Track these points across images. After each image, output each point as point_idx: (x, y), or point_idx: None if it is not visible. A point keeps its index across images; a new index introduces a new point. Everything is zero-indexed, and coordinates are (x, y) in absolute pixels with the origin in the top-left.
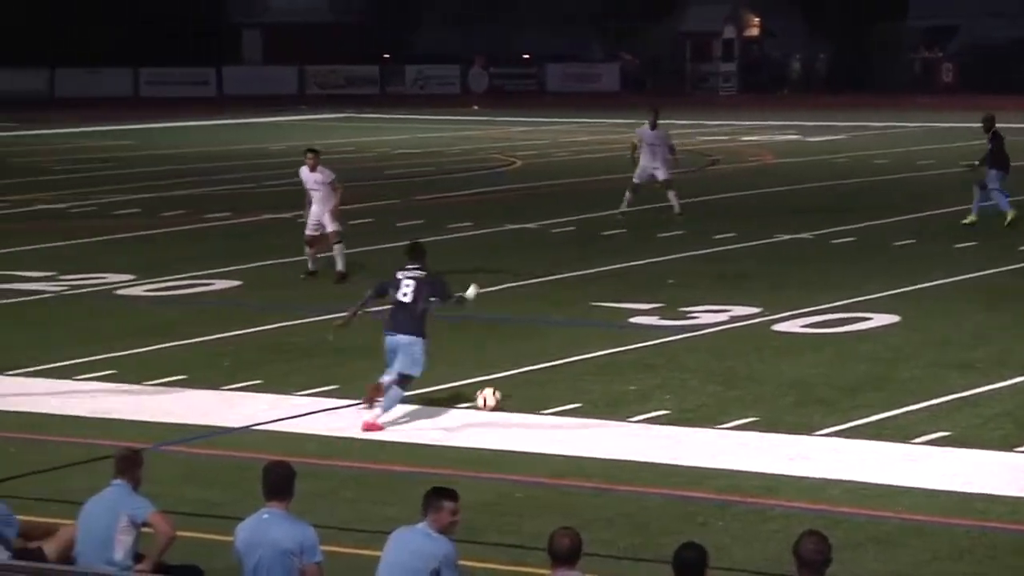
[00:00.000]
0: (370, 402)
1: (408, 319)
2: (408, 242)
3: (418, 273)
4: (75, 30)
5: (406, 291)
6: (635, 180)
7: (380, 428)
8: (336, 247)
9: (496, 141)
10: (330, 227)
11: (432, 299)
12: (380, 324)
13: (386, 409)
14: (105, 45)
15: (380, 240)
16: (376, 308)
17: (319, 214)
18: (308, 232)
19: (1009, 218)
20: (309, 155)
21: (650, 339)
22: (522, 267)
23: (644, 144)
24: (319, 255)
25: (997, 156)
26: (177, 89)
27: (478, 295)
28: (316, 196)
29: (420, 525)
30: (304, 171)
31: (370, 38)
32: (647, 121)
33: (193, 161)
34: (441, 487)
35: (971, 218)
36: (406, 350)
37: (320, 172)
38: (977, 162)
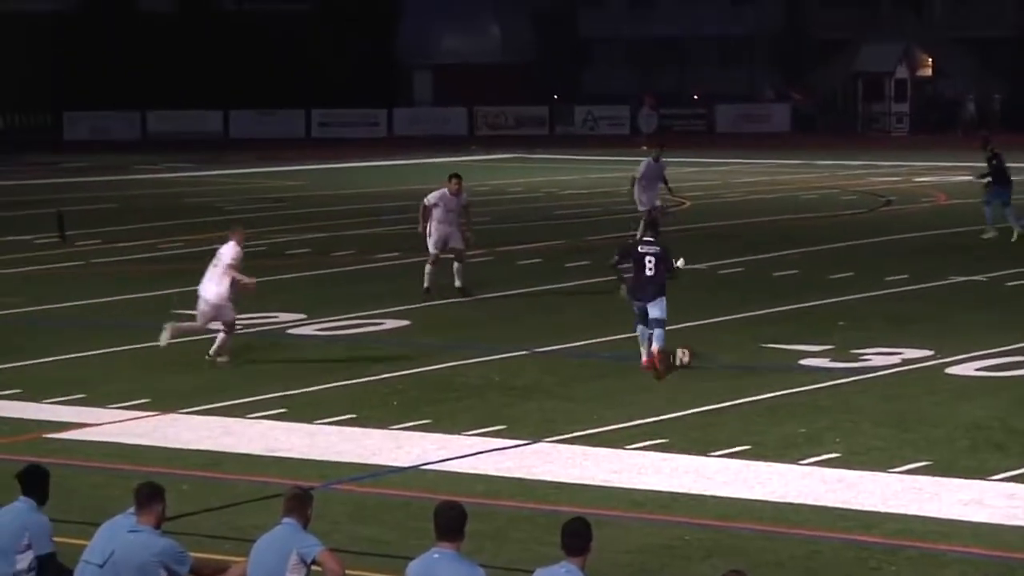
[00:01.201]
0: (652, 368)
1: (654, 287)
2: (646, 216)
3: (655, 249)
4: (249, 73)
5: (650, 265)
6: (641, 208)
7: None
8: (460, 264)
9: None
10: (460, 245)
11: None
12: (544, 367)
13: (660, 341)
14: (278, 88)
15: (548, 280)
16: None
17: (449, 234)
18: (433, 251)
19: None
20: (454, 180)
21: (820, 381)
22: (690, 308)
23: (646, 178)
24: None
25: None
26: (348, 130)
27: (685, 266)
28: (451, 218)
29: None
30: (444, 194)
31: (539, 79)
32: (651, 156)
33: (363, 201)
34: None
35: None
36: (657, 306)
37: (460, 196)
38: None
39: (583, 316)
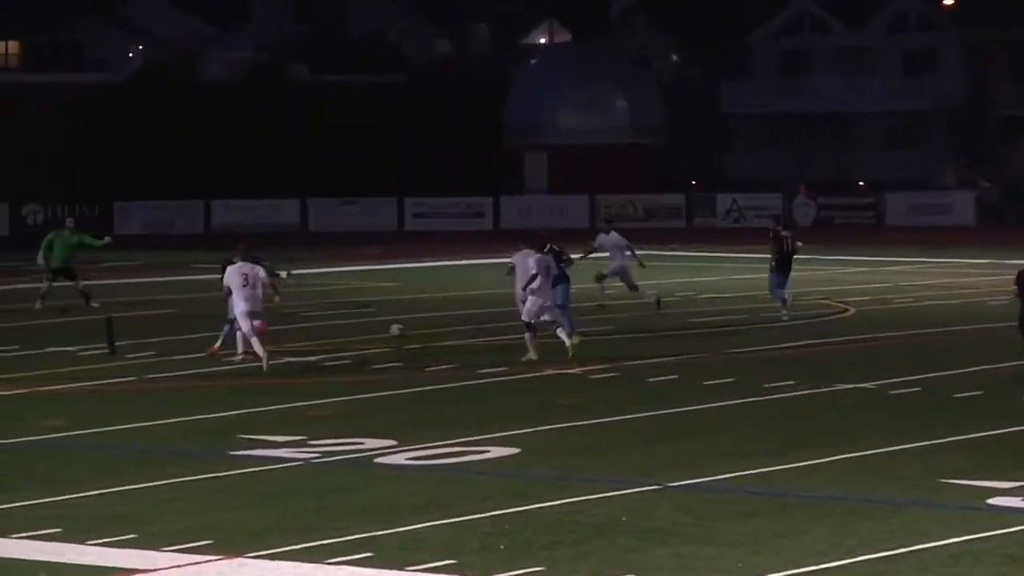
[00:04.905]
0: None
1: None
2: None
3: None
4: (330, 156)
5: None
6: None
7: None
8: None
9: (825, 284)
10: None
11: None
12: (680, 504)
13: None
14: (364, 172)
15: (684, 400)
16: None
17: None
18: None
19: None
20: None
21: (1012, 524)
22: (856, 434)
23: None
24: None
25: None
26: (447, 222)
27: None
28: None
29: None
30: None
31: (674, 162)
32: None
33: (464, 306)
34: None
35: None
36: None
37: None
38: None
39: (724, 444)
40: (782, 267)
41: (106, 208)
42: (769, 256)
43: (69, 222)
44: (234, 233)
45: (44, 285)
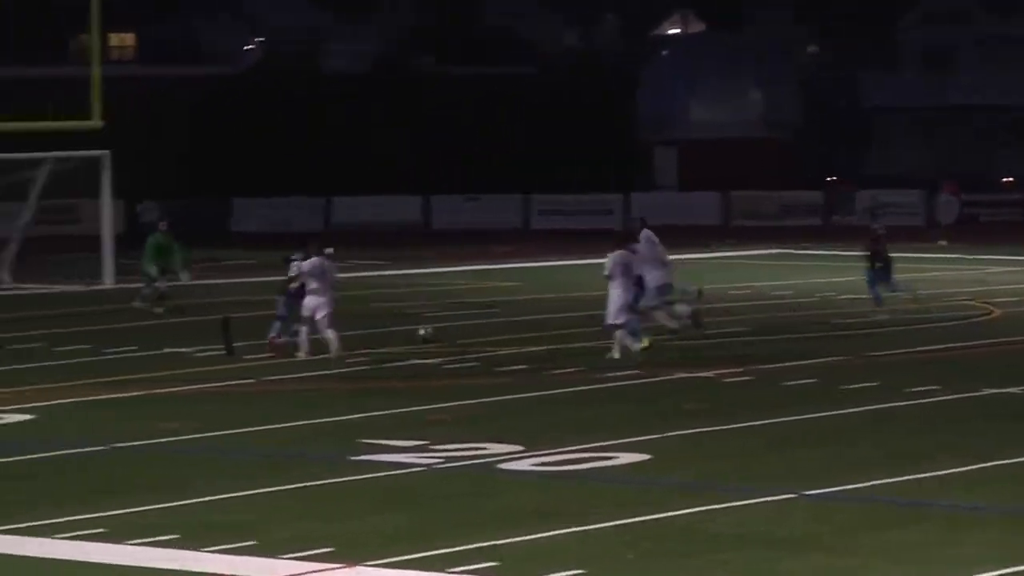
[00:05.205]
0: None
1: None
2: None
3: None
4: (455, 151)
5: None
6: None
7: None
8: None
9: (970, 285)
10: None
11: None
12: (817, 513)
13: None
14: (489, 168)
15: (823, 405)
16: None
17: None
18: None
19: None
20: None
21: None
22: (1002, 441)
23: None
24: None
25: None
26: (575, 220)
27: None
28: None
29: None
30: None
31: (811, 157)
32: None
33: (590, 307)
34: None
35: None
36: None
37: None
38: None
39: (863, 451)
40: (881, 266)
41: (224, 205)
42: (868, 254)
43: (163, 225)
44: (355, 231)
45: (158, 287)
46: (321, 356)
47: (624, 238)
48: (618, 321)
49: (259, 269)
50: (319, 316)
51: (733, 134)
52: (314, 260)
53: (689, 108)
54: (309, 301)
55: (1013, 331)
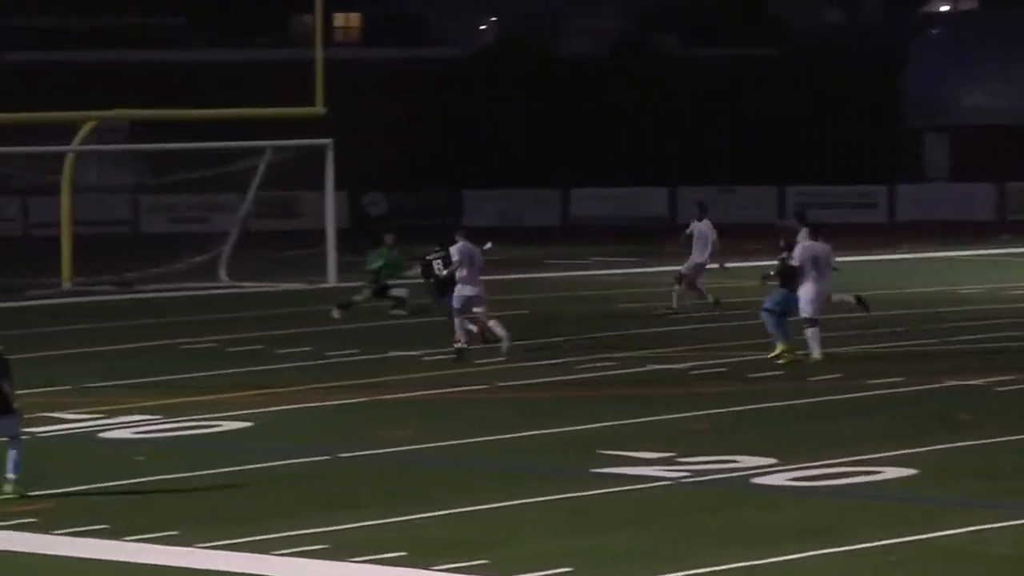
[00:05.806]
0: None
1: None
2: None
3: None
4: (704, 139)
5: None
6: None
7: None
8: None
9: None
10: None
11: None
12: None
13: None
14: (740, 158)
15: None
16: None
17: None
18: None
19: None
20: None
21: None
22: None
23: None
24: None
25: None
26: (836, 213)
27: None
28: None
29: None
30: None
31: None
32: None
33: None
34: None
35: None
36: None
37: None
38: None
39: None
40: None
41: (454, 197)
42: None
43: (388, 238)
44: (594, 226)
45: (362, 296)
46: (555, 360)
47: (812, 228)
48: (806, 314)
49: (490, 266)
50: (477, 309)
51: (1010, 121)
52: (461, 245)
53: (961, 92)
54: (462, 290)
55: None
